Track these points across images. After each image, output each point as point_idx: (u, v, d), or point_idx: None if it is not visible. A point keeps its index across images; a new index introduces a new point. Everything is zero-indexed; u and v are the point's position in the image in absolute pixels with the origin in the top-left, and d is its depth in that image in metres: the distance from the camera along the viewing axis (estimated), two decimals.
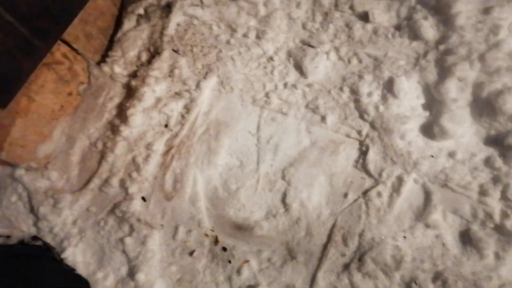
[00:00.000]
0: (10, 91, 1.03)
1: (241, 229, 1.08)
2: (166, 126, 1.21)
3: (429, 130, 1.00)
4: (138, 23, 1.30)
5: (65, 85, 1.21)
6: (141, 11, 1.30)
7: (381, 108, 1.03)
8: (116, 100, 1.26)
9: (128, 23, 1.29)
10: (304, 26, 1.23)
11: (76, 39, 1.20)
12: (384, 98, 1.04)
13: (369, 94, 1.05)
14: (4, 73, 0.99)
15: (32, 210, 1.15)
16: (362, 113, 1.06)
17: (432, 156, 0.98)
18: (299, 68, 1.18)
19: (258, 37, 1.25)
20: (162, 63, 1.25)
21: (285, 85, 1.18)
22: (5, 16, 0.94)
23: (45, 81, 1.14)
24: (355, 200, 1.00)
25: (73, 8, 1.13)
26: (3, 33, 0.95)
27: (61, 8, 1.08)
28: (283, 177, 1.10)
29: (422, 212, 0.96)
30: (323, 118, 1.09)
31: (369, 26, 1.16)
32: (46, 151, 1.21)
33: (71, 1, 1.10)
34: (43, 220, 1.14)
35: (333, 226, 1.01)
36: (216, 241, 1.09)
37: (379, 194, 0.98)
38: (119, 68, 1.26)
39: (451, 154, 0.98)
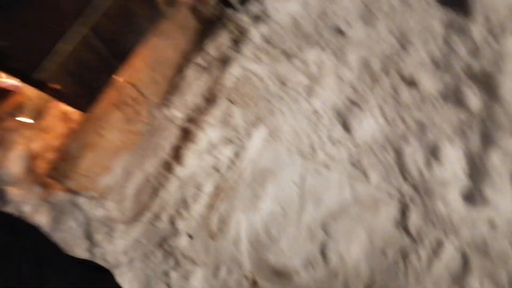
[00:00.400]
0: (92, 99, 1.19)
1: (280, 275, 1.14)
2: (216, 169, 1.30)
3: (471, 197, 1.05)
4: (198, 72, 1.43)
5: (129, 124, 1.34)
6: (202, 62, 1.43)
7: (424, 171, 1.09)
8: (173, 141, 1.37)
9: (190, 72, 1.43)
10: (352, 86, 1.32)
11: (144, 83, 1.33)
12: (427, 162, 1.10)
13: (413, 158, 1.11)
14: (90, 85, 1.15)
15: (88, 236, 1.26)
16: (405, 175, 1.12)
17: (473, 223, 1.02)
18: (345, 126, 1.26)
19: (308, 93, 1.35)
20: (217, 111, 1.37)
21: (331, 140, 1.26)
22: (95, 41, 1.10)
23: (113, 120, 1.28)
24: (394, 260, 1.05)
25: (137, 37, 1.27)
26: (93, 54, 1.10)
27: (130, 36, 1.23)
28: (324, 229, 1.15)
29: (460, 278, 0.99)
30: (366, 176, 1.16)
31: (415, 92, 1.23)
32: (106, 183, 1.32)
33: (137, 33, 1.25)
34: (97, 246, 1.24)
35: (371, 283, 1.05)
36: (255, 284, 1.15)
37: (418, 256, 1.02)
38: (178, 112, 1.39)
39: (491, 223, 1.02)
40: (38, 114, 1.42)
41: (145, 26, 1.27)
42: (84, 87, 1.15)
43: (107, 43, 1.13)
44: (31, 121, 1.38)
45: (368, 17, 1.42)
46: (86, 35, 1.03)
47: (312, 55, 1.38)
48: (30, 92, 1.38)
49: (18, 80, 1.33)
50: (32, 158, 1.40)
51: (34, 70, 0.95)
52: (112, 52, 1.16)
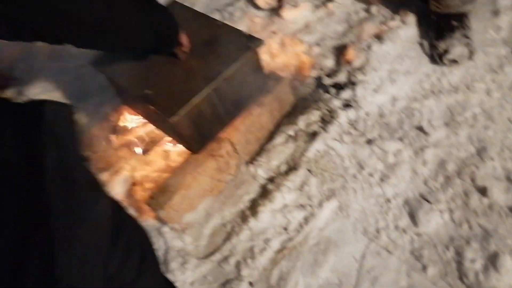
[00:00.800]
0: (203, 146, 1.48)
1: None
2: (285, 229, 1.46)
3: None
4: (286, 140, 1.63)
5: (219, 173, 1.55)
6: (291, 132, 1.64)
7: (481, 277, 1.15)
8: (252, 196, 1.55)
9: (279, 139, 1.63)
10: (425, 182, 1.43)
11: (239, 142, 1.56)
12: (485, 269, 1.17)
13: (472, 261, 1.19)
14: (204, 133, 1.46)
15: (165, 262, 1.45)
16: (462, 276, 1.19)
17: None
18: (412, 217, 1.36)
19: (381, 179, 1.48)
20: (296, 177, 1.54)
21: (396, 227, 1.36)
22: (215, 100, 1.37)
23: (207, 167, 1.50)
24: None
25: (246, 102, 1.54)
26: (212, 109, 1.39)
27: (241, 101, 1.47)
28: None
29: None
30: (424, 268, 1.24)
31: (485, 200, 1.32)
32: (188, 219, 1.53)
33: (246, 99, 1.52)
34: (170, 273, 1.42)
35: None
36: None
37: None
38: (262, 172, 1.58)
39: None
40: (146, 149, 1.68)
41: (254, 95, 1.51)
42: (199, 135, 1.40)
43: (223, 102, 1.38)
44: (140, 153, 1.65)
45: (450, 121, 1.55)
46: (210, 94, 1.29)
47: (392, 146, 1.53)
48: (146, 130, 1.66)
49: (143, 119, 1.62)
50: (133, 184, 1.66)
51: (169, 115, 1.21)
52: (225, 110, 1.41)
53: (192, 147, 1.45)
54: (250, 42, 1.40)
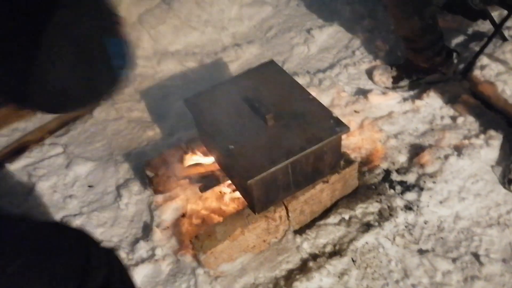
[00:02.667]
0: (265, 208, 1.58)
1: None
2: None
3: None
4: (339, 223, 1.70)
5: (265, 234, 1.64)
6: (346, 216, 1.71)
7: None
8: (290, 266, 1.62)
9: (332, 219, 1.70)
10: None
11: (294, 210, 1.64)
12: None
13: None
14: (270, 198, 1.55)
15: None
16: None
17: None
18: None
19: None
20: (338, 264, 1.60)
21: None
22: (289, 171, 1.47)
23: (258, 227, 1.59)
24: None
25: (315, 178, 1.63)
26: (284, 178, 1.49)
27: (311, 176, 1.59)
28: None
29: None
30: None
31: None
32: (224, 269, 1.62)
33: (316, 175, 1.61)
34: None
35: None
36: None
37: None
38: (306, 245, 1.65)
39: None
40: (205, 186, 1.80)
41: (323, 171, 1.60)
42: (265, 198, 1.51)
43: (295, 174, 1.49)
44: (198, 188, 1.76)
45: (509, 259, 1.56)
46: (286, 165, 1.40)
47: (443, 264, 1.56)
48: (212, 169, 1.78)
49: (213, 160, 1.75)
50: (182, 215, 1.78)
51: (247, 178, 1.34)
52: (294, 180, 1.51)
53: (255, 207, 1.55)
54: (338, 127, 1.51)
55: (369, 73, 2.26)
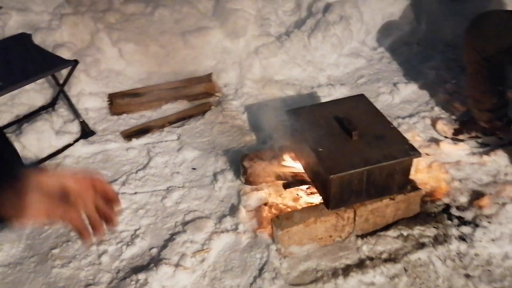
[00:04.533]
0: (338, 206, 1.86)
1: None
2: None
3: None
4: (397, 237, 1.95)
5: (333, 230, 1.93)
6: (405, 233, 1.95)
7: None
8: (349, 262, 1.88)
9: (392, 232, 1.95)
10: None
11: (360, 216, 1.93)
12: None
13: None
14: (344, 199, 1.82)
15: (261, 269, 1.84)
16: None
17: None
18: None
19: None
20: (392, 268, 1.83)
21: None
22: (363, 178, 1.77)
23: (328, 220, 1.88)
24: None
25: (385, 192, 1.89)
26: (358, 183, 1.79)
27: (381, 189, 1.85)
28: None
29: None
30: None
31: None
32: (292, 250, 1.91)
33: (385, 190, 1.86)
34: (260, 279, 1.81)
35: None
36: None
37: None
38: (366, 248, 1.91)
39: None
40: (286, 185, 2.14)
41: (392, 188, 1.89)
42: (340, 197, 1.82)
43: (367, 182, 1.79)
44: (281, 186, 2.11)
45: None
46: (362, 172, 1.72)
47: None
48: (296, 172, 2.13)
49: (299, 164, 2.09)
50: (264, 204, 2.12)
51: (329, 173, 1.68)
52: (366, 189, 1.82)
53: (329, 203, 1.86)
54: (411, 151, 1.82)
55: (434, 122, 2.55)
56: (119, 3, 3.00)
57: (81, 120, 2.57)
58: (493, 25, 2.10)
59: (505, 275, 1.81)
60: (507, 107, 2.34)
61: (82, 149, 2.51)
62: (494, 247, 1.91)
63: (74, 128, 2.59)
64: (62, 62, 2.34)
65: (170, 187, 2.30)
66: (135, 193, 2.27)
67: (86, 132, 2.57)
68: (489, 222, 1.98)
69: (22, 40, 2.48)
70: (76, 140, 2.53)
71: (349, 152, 1.83)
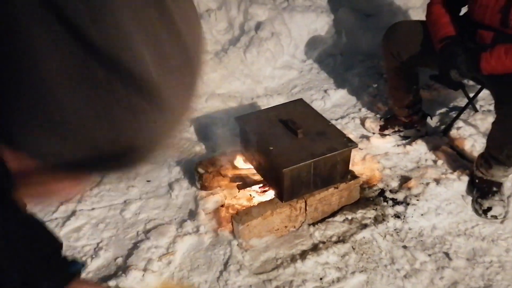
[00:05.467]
0: (291, 198, 2.04)
1: None
2: (321, 279, 1.93)
3: None
4: (343, 221, 2.18)
5: (287, 221, 2.11)
6: (349, 217, 2.19)
7: None
8: (304, 248, 2.07)
9: (338, 218, 2.18)
10: None
11: (310, 206, 2.13)
12: None
13: None
14: (296, 190, 1.97)
15: (226, 264, 1.97)
16: None
17: None
18: None
19: (405, 276, 1.94)
20: (342, 248, 2.05)
21: None
22: (310, 170, 1.96)
23: (283, 212, 2.07)
24: None
25: (330, 183, 2.09)
26: (306, 174, 1.96)
27: (325, 180, 2.06)
28: None
29: None
30: None
31: None
32: (253, 243, 2.06)
33: (330, 180, 2.08)
34: (226, 272, 1.93)
35: None
36: None
37: None
38: (317, 234, 2.11)
39: None
40: (240, 187, 2.30)
41: (335, 178, 2.13)
42: (291, 189, 2.01)
43: (314, 174, 2.01)
44: (235, 188, 2.26)
45: (471, 258, 2.01)
46: (309, 165, 1.93)
47: (421, 256, 2.01)
48: (248, 174, 2.30)
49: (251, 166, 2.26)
50: (221, 205, 2.26)
51: (283, 167, 1.87)
52: (313, 181, 2.03)
53: (283, 196, 2.05)
54: (349, 143, 2.07)
55: (363, 121, 2.87)
56: None
57: None
58: (404, 33, 2.44)
59: (435, 243, 2.10)
60: (421, 103, 2.71)
61: None
62: (424, 220, 2.20)
63: None
64: None
65: (127, 200, 2.36)
66: (93, 209, 2.30)
67: None
68: (418, 200, 2.28)
69: None
70: None
71: (296, 148, 2.04)
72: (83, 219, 2.23)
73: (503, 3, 1.99)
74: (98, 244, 2.11)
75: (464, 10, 2.33)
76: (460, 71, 2.12)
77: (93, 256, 2.04)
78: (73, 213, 2.25)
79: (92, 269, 1.99)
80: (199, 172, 2.34)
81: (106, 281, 1.90)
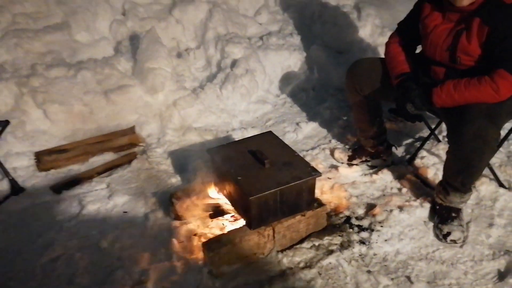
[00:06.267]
0: (259, 226, 2.13)
1: None
2: None
3: None
4: (311, 247, 2.26)
5: (256, 248, 2.18)
6: (316, 243, 2.27)
7: None
8: (272, 274, 2.14)
9: (306, 244, 2.27)
10: None
11: (278, 233, 2.22)
12: None
13: None
14: (263, 219, 2.06)
15: None
16: None
17: None
18: None
19: None
20: (308, 273, 2.12)
21: None
22: (277, 198, 2.05)
23: (252, 239, 2.15)
24: None
25: (295, 210, 2.19)
26: (273, 202, 2.05)
27: (291, 208, 2.16)
28: None
29: None
30: None
31: None
32: (223, 270, 2.13)
33: (296, 208, 2.18)
34: None
35: None
36: None
37: None
38: (285, 260, 2.19)
39: None
40: (212, 217, 2.38)
41: (302, 207, 2.22)
42: (259, 217, 2.10)
43: (281, 202, 2.10)
44: (208, 217, 2.35)
45: (432, 282, 2.09)
46: (276, 193, 2.03)
47: (384, 280, 2.09)
48: (220, 203, 2.40)
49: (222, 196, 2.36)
50: (194, 234, 2.33)
51: (249, 196, 1.96)
52: (280, 208, 2.12)
53: (251, 223, 2.13)
54: (313, 172, 2.18)
55: (332, 152, 3.01)
56: (42, 69, 3.14)
57: (10, 178, 2.62)
58: (365, 70, 2.61)
59: (398, 267, 2.19)
60: (386, 134, 2.86)
61: (14, 205, 2.55)
62: (387, 246, 2.30)
63: (4, 186, 2.63)
64: None
65: (103, 229, 2.42)
66: (70, 239, 2.36)
67: (16, 190, 2.62)
68: (382, 226, 2.38)
69: None
70: (7, 197, 2.57)
71: (263, 177, 2.14)
72: (59, 250, 2.28)
73: (450, 42, 2.17)
74: (73, 274, 2.16)
75: (419, 48, 2.52)
76: (415, 105, 2.28)
77: (69, 284, 2.10)
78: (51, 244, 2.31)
79: None
80: (172, 202, 2.42)
81: None
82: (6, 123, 2.46)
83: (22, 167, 2.82)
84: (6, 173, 2.61)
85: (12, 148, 2.85)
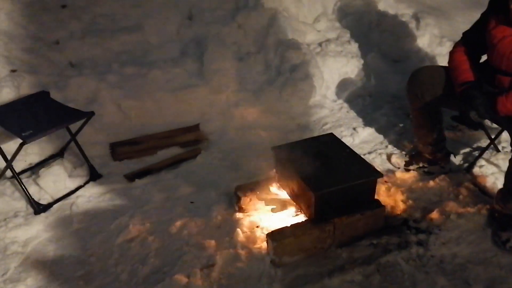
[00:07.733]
0: (322, 220, 2.21)
1: None
2: None
3: None
4: (369, 245, 2.35)
5: (317, 242, 2.30)
6: (374, 241, 2.36)
7: None
8: (331, 267, 2.25)
9: (364, 242, 2.36)
10: None
11: (338, 228, 2.32)
12: None
13: None
14: (326, 214, 2.19)
15: (260, 277, 2.17)
16: None
17: None
18: None
19: None
20: (366, 269, 2.22)
21: None
22: (341, 197, 2.18)
23: (313, 233, 2.27)
24: None
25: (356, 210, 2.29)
26: (336, 200, 2.18)
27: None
28: None
29: None
30: None
31: None
32: (284, 261, 2.26)
33: (357, 205, 2.28)
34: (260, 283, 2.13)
35: None
36: None
37: None
38: (345, 255, 2.30)
39: None
40: (274, 210, 2.52)
41: (362, 205, 2.32)
42: (322, 211, 2.22)
43: (343, 199, 2.23)
44: (270, 211, 2.49)
45: (490, 286, 2.14)
46: (339, 190, 2.15)
47: (441, 281, 2.15)
48: (282, 199, 2.53)
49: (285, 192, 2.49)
50: (256, 226, 2.48)
51: (315, 191, 2.09)
52: (342, 205, 2.24)
53: (313, 218, 2.26)
54: (375, 173, 2.29)
55: (389, 157, 3.08)
56: (118, 66, 3.42)
57: (90, 165, 2.88)
58: (428, 77, 2.68)
59: (455, 270, 2.24)
60: (445, 141, 2.90)
61: (92, 190, 2.81)
62: (445, 249, 2.35)
63: (84, 172, 2.89)
64: (81, 113, 2.71)
65: (171, 218, 2.61)
66: (143, 223, 2.56)
67: (95, 175, 2.88)
68: (439, 230, 2.43)
69: (42, 96, 2.83)
70: (87, 182, 2.83)
71: (327, 175, 2.27)
72: (134, 232, 2.49)
73: None
74: (147, 254, 2.36)
75: (484, 57, 2.57)
76: (478, 113, 2.33)
77: (144, 263, 2.29)
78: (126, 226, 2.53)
79: (141, 275, 2.23)
80: (238, 196, 2.58)
81: (154, 286, 2.13)
82: (91, 114, 2.70)
83: (99, 156, 3.09)
84: (87, 160, 2.87)
85: (90, 138, 3.11)
